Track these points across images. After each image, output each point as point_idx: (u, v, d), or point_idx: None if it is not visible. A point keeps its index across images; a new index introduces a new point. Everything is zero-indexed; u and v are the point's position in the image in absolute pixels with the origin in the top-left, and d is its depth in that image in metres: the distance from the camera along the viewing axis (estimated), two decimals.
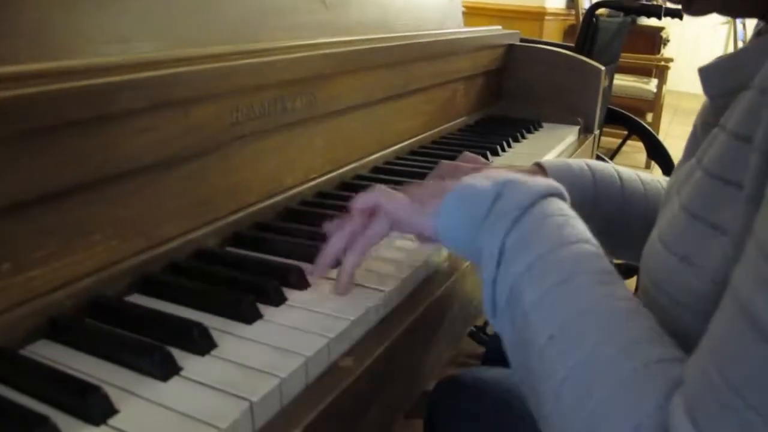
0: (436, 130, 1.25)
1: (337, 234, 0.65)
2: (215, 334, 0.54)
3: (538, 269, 0.51)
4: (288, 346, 0.54)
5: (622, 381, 0.43)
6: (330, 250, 0.64)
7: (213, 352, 0.53)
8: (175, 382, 0.49)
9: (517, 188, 0.57)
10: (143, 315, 0.58)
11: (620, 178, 0.80)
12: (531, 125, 1.38)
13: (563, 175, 0.78)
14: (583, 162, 0.81)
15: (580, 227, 0.55)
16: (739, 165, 0.47)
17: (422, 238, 0.66)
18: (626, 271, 2.42)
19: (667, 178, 0.82)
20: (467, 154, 0.86)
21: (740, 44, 5.13)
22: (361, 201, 0.64)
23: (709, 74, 0.57)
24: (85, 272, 0.59)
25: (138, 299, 0.62)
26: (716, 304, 0.47)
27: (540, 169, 0.80)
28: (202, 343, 0.53)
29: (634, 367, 0.43)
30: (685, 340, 0.51)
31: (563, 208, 0.57)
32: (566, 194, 0.60)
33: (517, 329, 0.51)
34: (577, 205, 0.77)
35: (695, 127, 0.63)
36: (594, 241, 0.54)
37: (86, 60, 0.59)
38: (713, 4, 0.55)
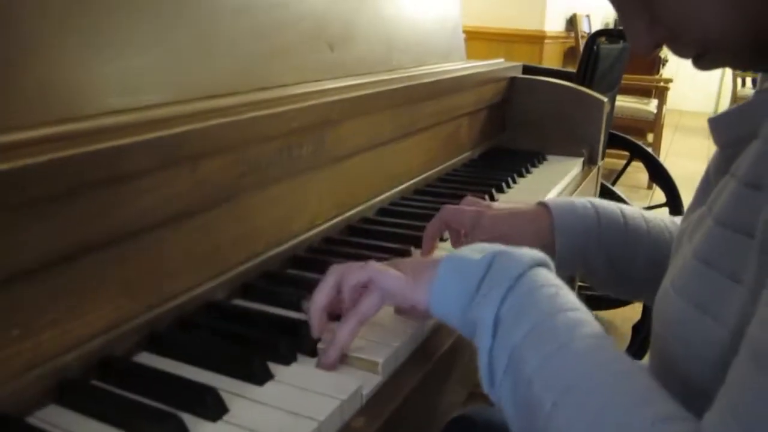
0: (441, 167, 1.25)
1: (319, 292, 0.64)
2: (226, 397, 0.54)
3: (536, 337, 0.52)
4: (300, 409, 0.53)
5: None
6: (315, 310, 0.63)
7: (225, 417, 0.52)
8: None
9: (507, 259, 0.58)
10: (154, 377, 0.57)
11: (624, 216, 0.80)
12: (535, 158, 1.38)
13: (567, 214, 0.79)
14: (587, 201, 0.82)
15: (570, 296, 0.56)
16: (748, 213, 0.47)
17: (412, 310, 0.65)
18: (615, 300, 2.42)
19: (672, 217, 0.82)
20: (469, 198, 0.86)
21: None
22: (354, 279, 0.63)
23: (718, 125, 0.57)
24: (94, 332, 0.59)
25: (146, 358, 0.61)
26: (733, 353, 0.47)
27: (544, 207, 0.81)
28: (214, 408, 0.52)
29: (642, 427, 0.43)
30: (699, 390, 0.51)
31: (551, 277, 0.58)
32: (551, 264, 0.61)
33: (519, 396, 0.51)
34: (581, 244, 0.78)
35: (708, 173, 0.63)
36: (584, 308, 0.55)
37: (94, 121, 0.58)
38: (722, 60, 0.55)
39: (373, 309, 0.62)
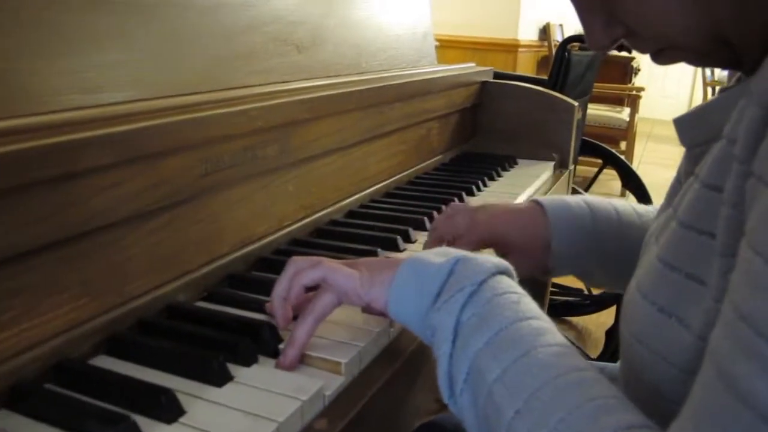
0: (411, 170, 1.24)
1: (281, 280, 0.64)
2: (184, 399, 0.53)
3: (497, 344, 0.50)
4: (259, 410, 0.52)
5: None
6: (276, 305, 0.64)
7: (181, 420, 0.51)
8: None
9: (470, 265, 0.57)
10: (109, 380, 0.56)
11: (617, 212, 0.80)
12: (506, 162, 1.38)
13: (561, 213, 0.78)
14: (581, 198, 0.81)
15: (532, 305, 0.55)
16: (710, 214, 0.47)
17: (370, 309, 0.64)
18: (599, 303, 2.44)
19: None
20: (453, 205, 0.84)
21: (708, 71, 5.23)
22: (306, 277, 0.62)
23: (683, 125, 0.57)
24: (52, 334, 0.57)
25: (104, 361, 0.60)
26: (698, 356, 0.47)
27: (538, 206, 0.80)
28: (170, 410, 0.51)
29: None
30: (666, 394, 0.50)
31: (513, 285, 0.57)
32: (514, 272, 0.60)
33: (480, 406, 0.50)
34: (577, 242, 0.78)
35: (678, 174, 0.63)
36: (546, 317, 0.54)
37: (53, 115, 0.57)
38: (682, 56, 0.55)
39: (329, 308, 0.61)
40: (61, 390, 0.55)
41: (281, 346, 0.61)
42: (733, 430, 0.35)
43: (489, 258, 0.59)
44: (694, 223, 0.49)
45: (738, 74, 0.59)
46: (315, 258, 0.64)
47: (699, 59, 0.55)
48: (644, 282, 0.53)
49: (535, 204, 0.80)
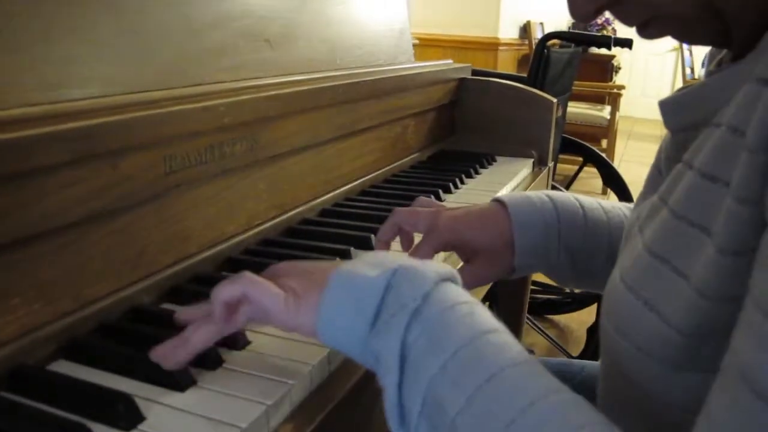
0: (387, 168, 1.22)
1: (187, 317, 0.57)
2: (144, 405, 0.50)
3: (456, 369, 0.45)
4: (222, 416, 0.50)
5: None
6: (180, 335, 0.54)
7: (140, 426, 0.49)
8: None
9: (410, 276, 0.50)
10: (65, 386, 0.53)
11: (582, 207, 0.77)
12: (484, 160, 1.37)
13: (524, 209, 0.76)
14: (543, 193, 0.78)
15: (486, 314, 0.49)
16: (707, 206, 0.45)
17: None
18: (581, 301, 2.43)
19: (628, 205, 0.81)
20: (422, 198, 0.82)
21: (688, 70, 5.27)
22: (225, 293, 0.53)
23: (669, 108, 0.56)
24: (4, 340, 0.54)
25: (63, 367, 0.57)
26: (679, 351, 0.45)
27: (500, 204, 0.77)
28: (127, 417, 0.49)
29: None
30: (649, 389, 0.49)
31: (461, 293, 0.51)
32: (459, 277, 0.54)
33: None
34: (541, 240, 0.75)
35: (658, 160, 0.61)
36: (503, 327, 0.49)
37: (4, 111, 0.55)
38: (669, 29, 0.53)
39: (240, 320, 0.54)
40: (15, 397, 0.53)
41: (249, 348, 0.59)
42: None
43: (430, 265, 0.52)
44: (687, 215, 0.47)
45: (719, 57, 0.58)
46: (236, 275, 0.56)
47: (686, 32, 0.53)
48: (629, 273, 0.51)
49: (497, 203, 0.77)
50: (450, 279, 0.52)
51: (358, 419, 0.61)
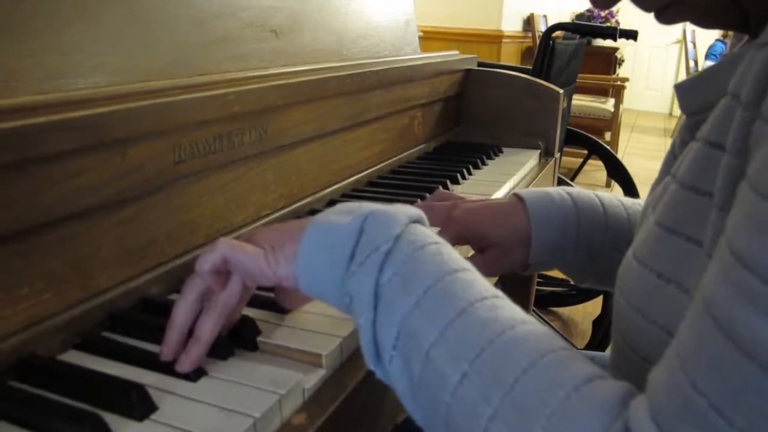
0: (394, 158, 1.22)
1: (180, 304, 0.56)
2: (156, 395, 0.50)
3: (429, 304, 0.47)
4: (235, 405, 0.49)
5: (558, 411, 0.40)
6: (174, 325, 0.55)
7: (153, 416, 0.48)
8: None
9: (381, 219, 0.52)
10: (76, 376, 0.53)
11: (602, 204, 0.77)
12: (491, 150, 1.36)
13: (543, 205, 0.75)
14: (563, 190, 0.78)
15: (454, 254, 0.52)
16: (710, 173, 0.45)
17: (283, 291, 0.60)
18: (586, 293, 2.43)
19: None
20: (440, 191, 0.81)
21: (691, 63, 5.25)
22: (206, 262, 0.55)
23: (686, 90, 0.55)
24: (13, 330, 0.54)
25: (73, 357, 0.57)
26: None
27: (518, 199, 0.76)
28: (140, 407, 0.48)
29: (566, 393, 0.40)
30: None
31: (430, 234, 0.53)
32: (426, 219, 0.56)
33: (416, 373, 0.46)
34: (560, 237, 0.74)
35: (673, 145, 0.61)
36: (469, 264, 0.51)
37: (11, 99, 0.54)
38: (685, 14, 0.52)
39: (235, 296, 0.55)
40: (25, 387, 0.52)
41: (260, 338, 0.59)
42: (732, 380, 0.34)
43: (400, 208, 0.54)
44: (695, 183, 0.47)
45: (741, 44, 0.57)
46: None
47: (705, 18, 0.53)
48: (642, 249, 0.51)
49: (516, 198, 0.77)
50: (418, 220, 0.55)
51: (370, 408, 0.61)
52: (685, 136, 0.56)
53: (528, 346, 0.43)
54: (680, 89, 0.56)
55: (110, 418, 0.47)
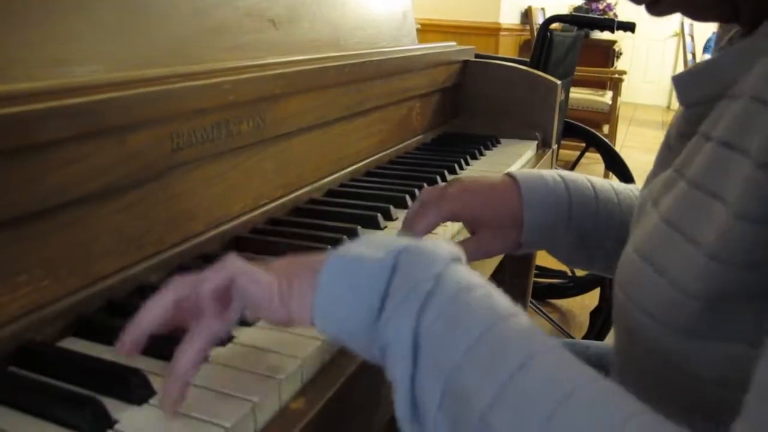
0: (392, 149, 1.22)
1: (154, 303, 0.48)
2: (155, 380, 0.50)
3: (482, 356, 0.40)
4: (234, 390, 0.49)
5: None
6: (138, 323, 0.47)
7: (151, 401, 0.49)
8: None
9: (418, 256, 0.46)
10: (75, 362, 0.53)
11: (594, 189, 0.76)
12: (489, 141, 1.36)
13: (536, 186, 0.75)
14: (556, 173, 0.77)
15: (503, 297, 0.45)
16: (723, 173, 0.45)
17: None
18: (583, 285, 2.43)
19: (639, 187, 0.80)
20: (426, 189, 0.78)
21: (689, 56, 5.25)
22: (211, 281, 0.47)
23: (684, 82, 0.56)
24: (12, 317, 0.54)
25: (73, 343, 0.57)
26: (693, 318, 0.45)
27: (512, 180, 0.76)
28: (139, 391, 0.49)
29: None
30: (662, 356, 0.49)
31: (474, 274, 0.47)
32: (464, 258, 0.49)
33: None
34: (551, 220, 0.74)
35: (668, 138, 0.61)
36: (521, 310, 0.44)
37: (8, 86, 0.54)
38: (677, 6, 0.53)
39: (227, 324, 0.47)
40: (25, 373, 0.52)
41: (260, 324, 0.59)
42: None
43: (439, 244, 0.48)
44: (705, 183, 0.47)
45: (730, 35, 0.58)
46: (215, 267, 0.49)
47: (696, 9, 0.53)
48: (644, 244, 0.51)
49: (510, 178, 0.76)
50: (459, 259, 0.49)
51: (369, 393, 0.61)
52: (683, 127, 0.57)
53: (601, 411, 0.37)
54: (678, 81, 0.56)
55: (109, 403, 0.47)
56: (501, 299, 0.45)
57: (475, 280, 0.46)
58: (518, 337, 0.41)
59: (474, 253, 0.74)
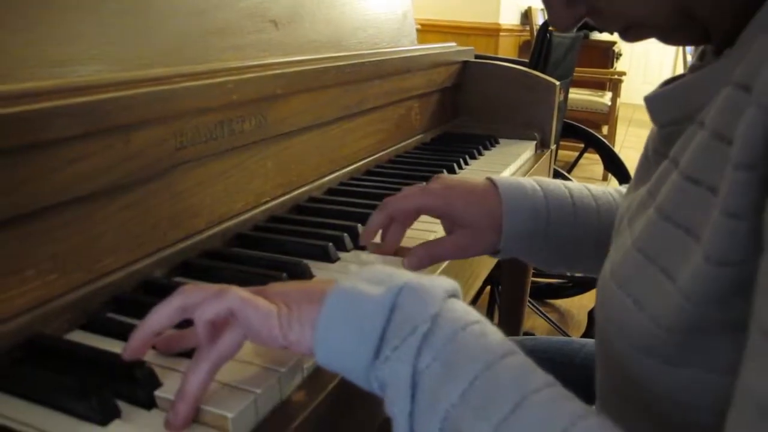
0: (392, 148, 1.23)
1: (161, 309, 0.50)
2: (160, 372, 0.51)
3: (477, 398, 0.42)
4: (237, 382, 0.51)
5: None
6: (144, 327, 0.50)
7: (157, 392, 0.50)
8: (116, 426, 0.46)
9: (416, 294, 0.47)
10: (81, 354, 0.54)
11: (571, 195, 0.77)
12: (487, 141, 1.38)
13: (516, 194, 0.75)
14: (534, 180, 0.78)
15: (497, 334, 0.46)
16: (690, 208, 0.46)
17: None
18: (581, 285, 2.44)
19: (619, 188, 0.81)
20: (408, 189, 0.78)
21: (689, 57, 5.26)
22: (210, 310, 0.48)
23: (655, 103, 0.56)
24: (20, 310, 0.55)
25: (79, 336, 0.58)
26: (668, 348, 0.46)
27: (492, 185, 0.76)
28: (145, 382, 0.50)
29: None
30: (638, 380, 0.50)
31: (469, 310, 0.48)
32: (460, 291, 0.51)
33: None
34: (530, 227, 0.75)
35: (646, 150, 0.61)
36: (515, 346, 0.46)
37: (13, 85, 0.55)
38: (648, 33, 0.54)
39: (233, 350, 0.49)
40: (32, 365, 0.54)
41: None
42: None
43: (436, 280, 0.49)
44: (672, 216, 0.47)
45: (700, 49, 0.58)
46: (215, 286, 0.50)
47: (666, 36, 0.54)
48: (618, 271, 0.52)
49: (490, 183, 0.76)
50: (454, 294, 0.50)
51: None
52: (658, 146, 0.57)
53: None
54: (650, 101, 0.56)
55: (116, 393, 0.49)
56: (495, 337, 0.46)
57: (471, 316, 0.47)
58: (511, 378, 0.43)
59: (450, 251, 0.75)
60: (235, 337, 0.48)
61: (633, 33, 0.54)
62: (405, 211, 0.74)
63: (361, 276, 0.50)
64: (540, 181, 0.78)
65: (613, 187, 0.82)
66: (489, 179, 0.77)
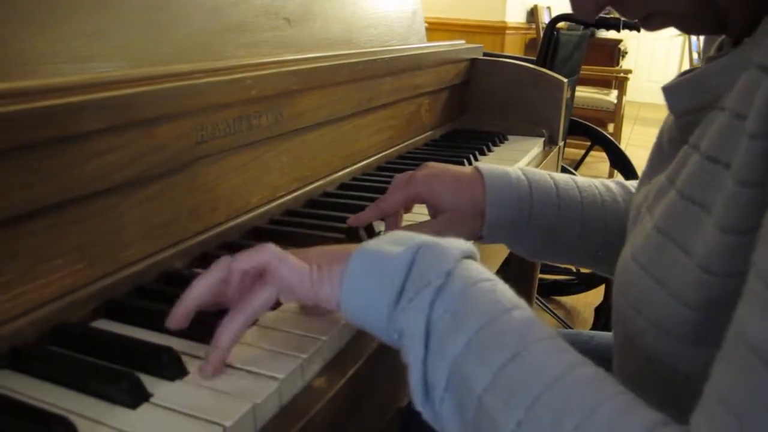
0: (402, 145, 1.25)
1: (202, 281, 0.54)
2: (185, 359, 0.53)
3: (480, 345, 0.45)
4: (260, 369, 0.52)
5: None
6: (187, 298, 0.54)
7: (184, 379, 0.52)
8: (145, 409, 0.48)
9: (433, 252, 0.51)
10: (109, 340, 0.56)
11: (556, 187, 0.79)
12: (496, 138, 1.39)
13: (500, 183, 0.77)
14: (520, 170, 0.80)
15: (508, 291, 0.50)
16: (708, 185, 0.47)
17: (316, 309, 0.59)
18: (588, 282, 2.46)
19: (605, 181, 0.82)
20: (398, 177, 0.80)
21: (695, 55, 5.26)
22: (246, 261, 0.53)
23: (673, 92, 0.57)
24: (48, 298, 0.57)
25: (104, 324, 0.60)
26: (691, 326, 0.47)
27: (477, 173, 0.78)
28: (171, 368, 0.52)
29: None
30: (662, 361, 0.51)
31: (482, 270, 0.51)
32: (477, 254, 0.54)
33: (468, 416, 0.44)
34: (513, 216, 0.77)
35: (660, 140, 0.62)
36: (524, 303, 0.49)
37: (44, 80, 0.57)
38: (669, 21, 0.55)
39: (266, 304, 0.53)
40: (62, 351, 0.55)
41: (282, 306, 0.62)
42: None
43: (453, 242, 0.53)
44: (692, 195, 0.49)
45: (718, 41, 0.60)
46: (253, 250, 0.55)
47: (687, 24, 0.55)
48: (640, 252, 0.53)
49: (476, 171, 0.79)
50: (470, 255, 0.53)
51: (386, 374, 0.64)
52: (675, 135, 0.58)
53: (587, 392, 0.41)
54: (668, 91, 0.57)
55: (144, 379, 0.50)
56: (504, 293, 0.49)
57: (483, 274, 0.50)
58: (515, 328, 0.46)
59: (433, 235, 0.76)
60: (267, 294, 0.53)
61: (654, 21, 0.55)
62: (394, 203, 0.77)
63: (383, 238, 0.54)
64: (526, 171, 0.80)
65: (600, 180, 0.83)
66: (475, 167, 0.80)
